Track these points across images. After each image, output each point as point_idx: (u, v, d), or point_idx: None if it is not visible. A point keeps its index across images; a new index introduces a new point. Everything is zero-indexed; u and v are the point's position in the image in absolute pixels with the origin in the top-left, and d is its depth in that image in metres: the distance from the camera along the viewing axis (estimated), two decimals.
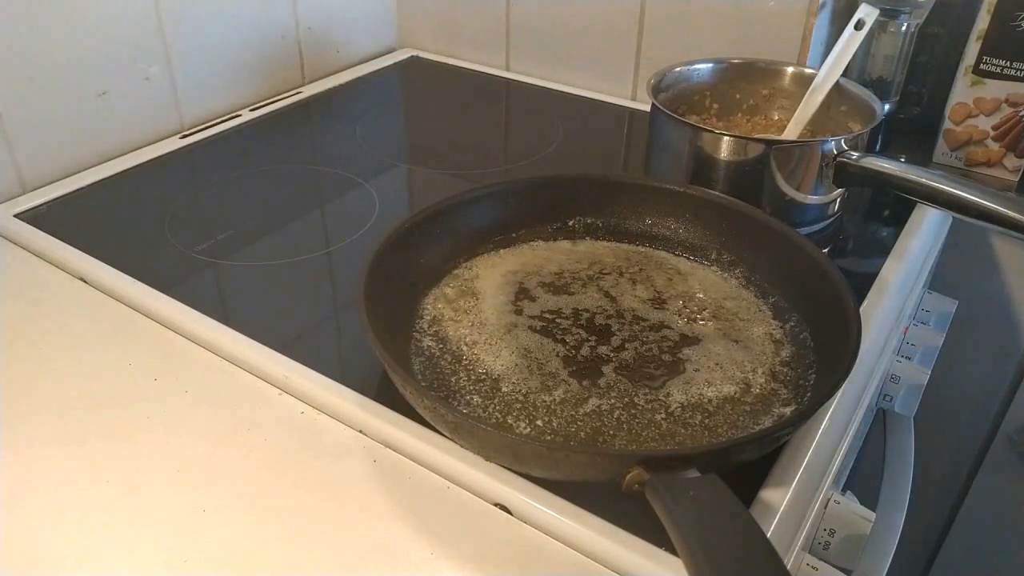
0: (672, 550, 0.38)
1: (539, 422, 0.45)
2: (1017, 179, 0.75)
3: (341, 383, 0.49)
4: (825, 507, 0.48)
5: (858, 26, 0.67)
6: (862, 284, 0.59)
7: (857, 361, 0.44)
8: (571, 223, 0.62)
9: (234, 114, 0.86)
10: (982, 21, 0.71)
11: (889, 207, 0.72)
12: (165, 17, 0.77)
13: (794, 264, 0.54)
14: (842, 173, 0.63)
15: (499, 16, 0.98)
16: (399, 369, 0.43)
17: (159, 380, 0.51)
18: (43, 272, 0.61)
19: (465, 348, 0.50)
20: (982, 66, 0.72)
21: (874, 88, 0.71)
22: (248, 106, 0.88)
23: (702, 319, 0.53)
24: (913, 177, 0.59)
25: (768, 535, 0.38)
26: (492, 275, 0.57)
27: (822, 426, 0.47)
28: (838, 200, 0.67)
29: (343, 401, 0.48)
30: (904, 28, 0.77)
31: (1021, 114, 0.72)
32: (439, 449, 0.44)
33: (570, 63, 0.96)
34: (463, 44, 1.04)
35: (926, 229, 0.68)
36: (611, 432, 0.45)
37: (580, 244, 0.61)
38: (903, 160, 0.70)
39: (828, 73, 0.68)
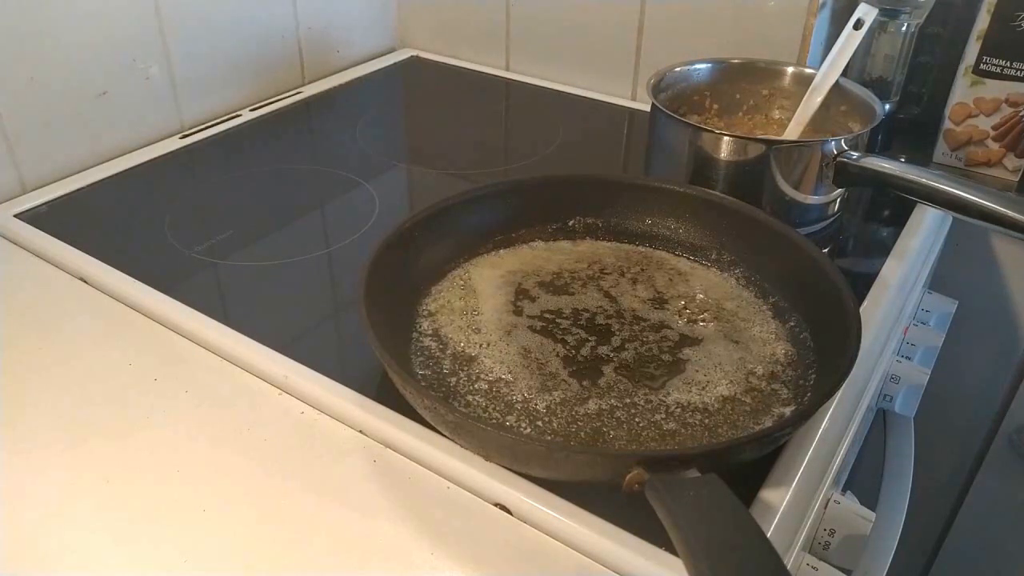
0: (672, 550, 0.38)
1: (539, 422, 0.45)
2: (1017, 179, 0.75)
3: (341, 383, 0.49)
4: (825, 507, 0.48)
5: (857, 26, 0.67)
6: (862, 284, 0.59)
7: (857, 361, 0.44)
8: (571, 223, 0.62)
9: (234, 114, 0.86)
10: (982, 21, 0.71)
11: (889, 207, 0.72)
12: (165, 17, 0.77)
13: (794, 264, 0.54)
14: (842, 173, 0.63)
15: (499, 16, 0.98)
16: (399, 369, 0.43)
17: (159, 380, 0.51)
18: (43, 272, 0.61)
19: (465, 348, 0.50)
20: (982, 66, 0.72)
21: (874, 88, 0.71)
22: (248, 106, 0.88)
23: (702, 319, 0.53)
24: (913, 177, 0.59)
25: (768, 535, 0.38)
26: (492, 275, 0.57)
27: (822, 426, 0.47)
28: (838, 200, 0.67)
29: (343, 401, 0.48)
30: (904, 28, 0.77)
31: (1021, 114, 0.72)
32: (439, 449, 0.44)
33: (570, 63, 0.96)
34: (463, 44, 1.04)
35: (926, 229, 0.68)
36: (611, 432, 0.44)
37: (580, 244, 0.61)
38: (903, 160, 0.70)
39: (828, 73, 0.68)
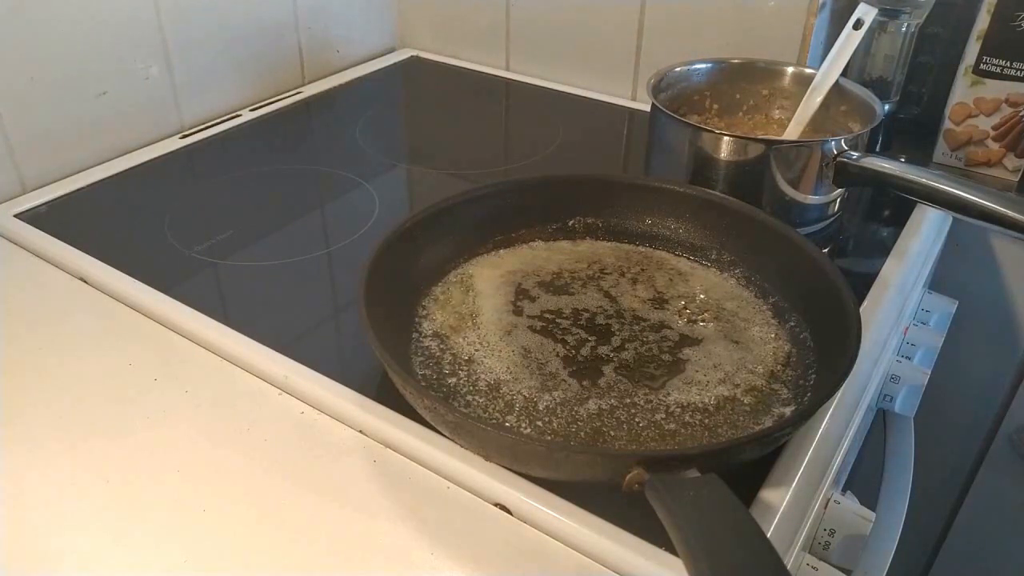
0: (672, 550, 0.38)
1: (539, 422, 0.45)
2: (1017, 179, 0.75)
3: (341, 383, 0.49)
4: (825, 507, 0.48)
5: (856, 25, 0.67)
6: (862, 284, 0.59)
7: (857, 361, 0.44)
8: (571, 223, 0.62)
9: (234, 114, 0.86)
10: (982, 21, 0.71)
11: (889, 207, 0.72)
12: (165, 17, 0.77)
13: (794, 264, 0.54)
14: (842, 173, 0.63)
15: (499, 16, 0.98)
16: (399, 369, 0.43)
17: (159, 380, 0.51)
18: (43, 272, 0.61)
19: (465, 348, 0.50)
20: (982, 66, 0.72)
21: (874, 88, 0.71)
22: (248, 106, 0.88)
23: (702, 319, 0.53)
24: (913, 177, 0.59)
25: (768, 535, 0.38)
26: (492, 275, 0.57)
27: (822, 426, 0.47)
28: (838, 200, 0.67)
29: (343, 401, 0.48)
30: (904, 28, 0.77)
31: (1021, 114, 0.72)
32: (439, 449, 0.44)
33: (570, 63, 0.96)
34: (463, 44, 1.04)
35: (926, 229, 0.68)
36: (611, 432, 0.44)
37: (580, 244, 0.61)
38: (903, 160, 0.70)
39: (827, 72, 0.68)
